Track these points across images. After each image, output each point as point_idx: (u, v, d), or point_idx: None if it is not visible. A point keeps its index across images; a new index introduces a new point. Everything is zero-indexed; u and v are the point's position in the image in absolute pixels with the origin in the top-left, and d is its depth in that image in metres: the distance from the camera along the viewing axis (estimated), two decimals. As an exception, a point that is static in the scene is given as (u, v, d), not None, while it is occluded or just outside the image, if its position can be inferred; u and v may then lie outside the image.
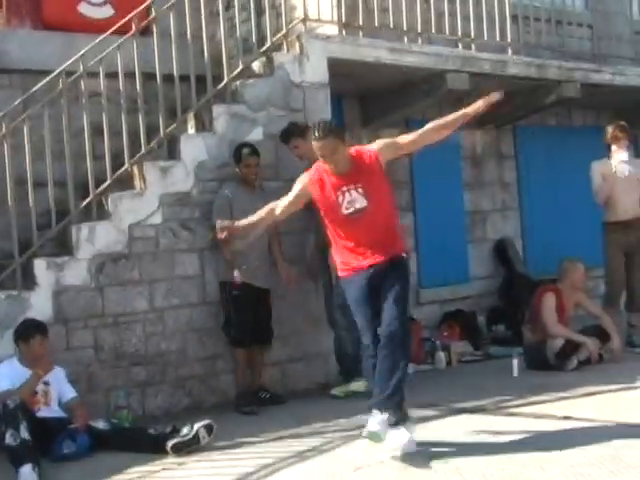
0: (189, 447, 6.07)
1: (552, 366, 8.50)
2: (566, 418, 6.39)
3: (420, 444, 5.60)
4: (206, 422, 6.21)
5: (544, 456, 5.33)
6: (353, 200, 5.76)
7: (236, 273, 7.32)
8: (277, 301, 7.80)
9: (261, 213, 6.13)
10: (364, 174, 5.77)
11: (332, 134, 5.72)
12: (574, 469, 5.03)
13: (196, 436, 6.10)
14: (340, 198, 5.78)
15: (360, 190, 5.75)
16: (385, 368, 5.66)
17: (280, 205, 6.06)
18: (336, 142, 5.71)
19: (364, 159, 5.80)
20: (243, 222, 6.14)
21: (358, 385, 7.51)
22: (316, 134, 5.72)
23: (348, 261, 5.94)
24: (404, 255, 5.96)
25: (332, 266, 7.32)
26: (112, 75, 7.47)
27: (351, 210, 5.78)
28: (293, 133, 7.76)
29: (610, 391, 7.38)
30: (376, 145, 5.87)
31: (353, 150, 5.87)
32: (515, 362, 8.38)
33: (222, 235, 6.23)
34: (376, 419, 5.63)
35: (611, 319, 8.89)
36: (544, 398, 7.19)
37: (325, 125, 5.81)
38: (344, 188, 5.76)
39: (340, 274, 6.11)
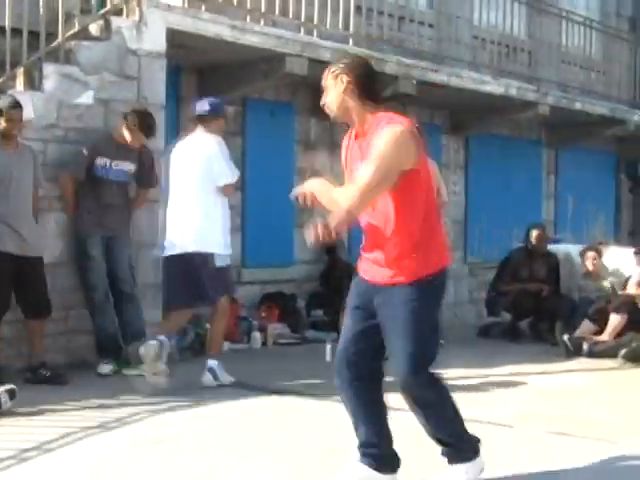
0: (-11, 411, 5.92)
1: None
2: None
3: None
4: (9, 387, 6.08)
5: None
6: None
7: None
8: (60, 269, 7.64)
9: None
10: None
11: (336, 70, 4.32)
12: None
13: (-3, 400, 5.96)
14: (348, 161, 4.49)
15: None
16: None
17: None
18: (335, 80, 4.30)
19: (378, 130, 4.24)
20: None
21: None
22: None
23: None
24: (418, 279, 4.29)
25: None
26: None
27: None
28: None
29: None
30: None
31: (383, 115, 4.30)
32: (328, 347, 8.49)
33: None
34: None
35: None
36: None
37: (345, 58, 4.54)
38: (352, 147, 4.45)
39: None
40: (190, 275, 7.05)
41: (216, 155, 7.07)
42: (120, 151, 7.61)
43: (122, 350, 7.64)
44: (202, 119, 7.17)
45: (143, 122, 7.55)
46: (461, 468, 4.51)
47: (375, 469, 4.45)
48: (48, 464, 4.96)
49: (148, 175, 7.91)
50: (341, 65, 4.35)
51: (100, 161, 7.54)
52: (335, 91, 4.32)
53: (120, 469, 4.87)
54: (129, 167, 7.72)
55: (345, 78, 4.29)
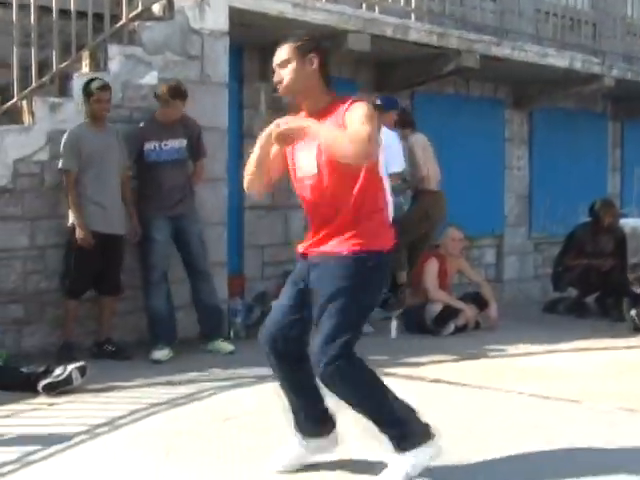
0: (61, 388, 6.02)
1: (430, 330, 8.67)
2: (436, 381, 6.56)
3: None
4: (80, 364, 6.19)
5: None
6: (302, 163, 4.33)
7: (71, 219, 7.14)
8: (130, 248, 7.65)
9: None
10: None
11: (303, 47, 4.23)
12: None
13: (69, 377, 6.05)
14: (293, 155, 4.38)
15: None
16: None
17: None
18: (302, 57, 4.22)
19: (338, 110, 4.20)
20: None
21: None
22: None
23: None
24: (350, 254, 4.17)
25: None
26: (6, 5, 7.28)
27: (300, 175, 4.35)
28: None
29: (482, 357, 7.60)
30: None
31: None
32: (394, 324, 8.53)
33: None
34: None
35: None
36: (418, 360, 7.35)
37: (306, 35, 4.38)
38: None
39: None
40: None
41: (390, 144, 7.96)
42: (165, 130, 7.54)
43: (176, 335, 7.66)
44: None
45: (175, 90, 7.45)
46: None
47: None
48: (119, 440, 5.03)
49: (197, 146, 7.77)
50: (309, 44, 4.25)
51: (149, 145, 7.50)
52: (300, 69, 4.22)
53: (191, 445, 4.92)
54: (180, 144, 7.61)
55: (315, 59, 4.23)
